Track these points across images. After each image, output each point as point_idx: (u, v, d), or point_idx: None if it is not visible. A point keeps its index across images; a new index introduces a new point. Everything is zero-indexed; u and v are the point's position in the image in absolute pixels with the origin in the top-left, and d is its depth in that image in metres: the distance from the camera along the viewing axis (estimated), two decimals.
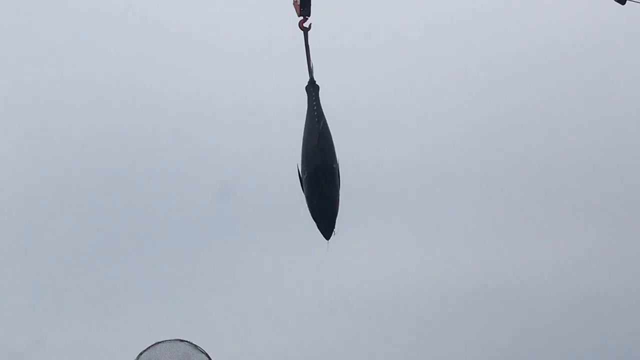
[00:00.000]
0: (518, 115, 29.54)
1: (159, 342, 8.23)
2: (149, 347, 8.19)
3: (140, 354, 8.13)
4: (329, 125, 9.76)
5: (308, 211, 9.64)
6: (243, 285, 30.14)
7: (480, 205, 29.75)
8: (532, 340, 31.35)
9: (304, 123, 9.83)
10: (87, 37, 27.28)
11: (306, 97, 9.92)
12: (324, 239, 9.59)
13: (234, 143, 32.02)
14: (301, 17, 10.03)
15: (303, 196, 9.67)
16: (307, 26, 10.01)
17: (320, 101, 9.85)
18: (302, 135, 9.82)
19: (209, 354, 8.30)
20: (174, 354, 8.22)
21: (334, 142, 9.73)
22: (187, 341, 8.33)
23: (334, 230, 9.60)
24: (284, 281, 34.31)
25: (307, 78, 9.92)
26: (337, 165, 9.69)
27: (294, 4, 10.10)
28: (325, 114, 9.80)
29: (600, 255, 31.41)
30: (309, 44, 9.95)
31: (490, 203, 30.41)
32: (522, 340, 32.67)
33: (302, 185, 9.69)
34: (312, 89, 9.94)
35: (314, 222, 9.61)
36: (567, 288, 30.25)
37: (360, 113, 28.07)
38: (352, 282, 34.83)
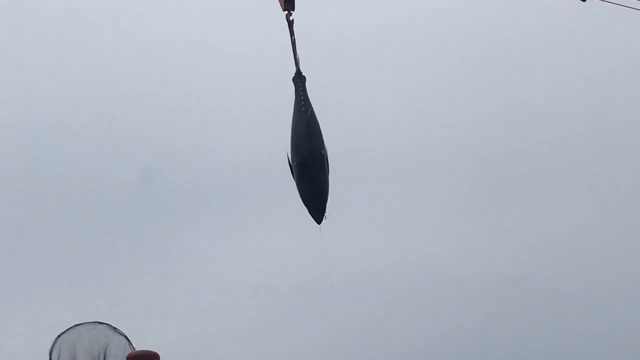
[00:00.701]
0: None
1: (77, 325, 8.21)
2: (67, 330, 8.16)
3: (59, 336, 8.11)
4: (315, 114, 10.10)
5: (299, 197, 9.95)
6: (166, 269, 30.04)
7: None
8: (469, 324, 31.77)
9: (292, 113, 10.18)
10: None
11: (293, 88, 10.25)
12: (316, 223, 9.89)
13: (156, 127, 31.87)
14: (286, 12, 10.38)
15: (294, 183, 9.98)
16: (292, 19, 10.33)
17: (307, 91, 10.19)
18: (291, 124, 10.15)
19: (128, 336, 8.31)
20: (92, 337, 8.20)
21: (322, 129, 10.03)
22: (105, 323, 8.33)
23: (325, 214, 9.92)
24: (208, 265, 34.21)
25: (293, 69, 10.27)
26: (326, 151, 10.05)
27: None
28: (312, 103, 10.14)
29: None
30: (295, 37, 10.26)
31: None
32: (457, 325, 33.02)
33: (292, 173, 10.02)
34: (299, 80, 10.29)
35: (305, 208, 9.93)
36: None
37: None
38: (277, 267, 34.94)
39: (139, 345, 8.18)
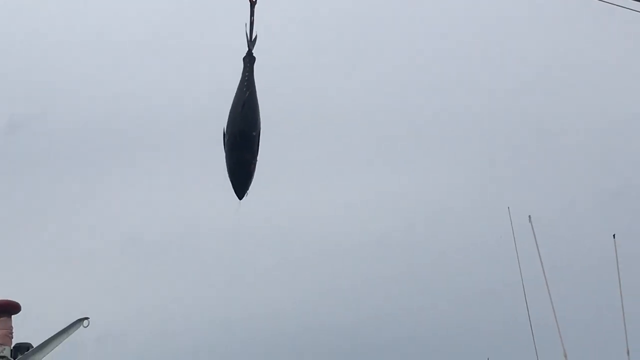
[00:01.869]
0: None
1: None
2: None
3: None
4: (257, 96, 10.54)
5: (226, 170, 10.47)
6: (35, 221, 29.52)
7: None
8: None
9: (236, 91, 10.64)
10: None
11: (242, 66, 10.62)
12: (237, 198, 10.36)
13: (23, 78, 31.45)
14: None
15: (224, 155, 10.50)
16: (254, 0, 10.68)
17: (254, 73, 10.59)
18: (232, 101, 10.63)
19: None
20: None
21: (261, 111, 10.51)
22: None
23: (247, 192, 10.42)
24: (79, 216, 33.84)
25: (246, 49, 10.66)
26: (258, 133, 10.50)
27: None
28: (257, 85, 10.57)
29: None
30: (254, 18, 10.61)
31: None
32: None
33: (224, 146, 10.52)
34: (249, 60, 10.67)
35: (230, 182, 10.41)
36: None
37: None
38: (148, 220, 34.96)
39: (3, 296, 7.70)
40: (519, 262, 20.23)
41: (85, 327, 17.31)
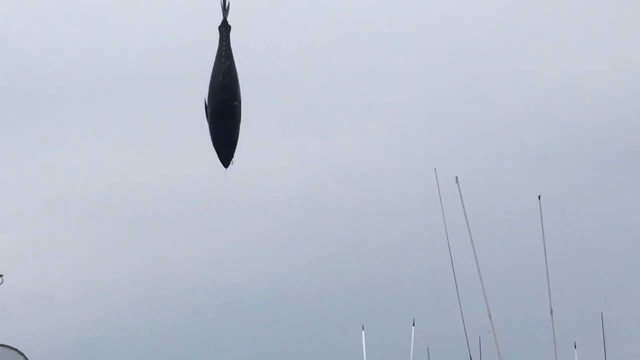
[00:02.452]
0: None
1: None
2: None
3: None
4: (236, 65, 10.49)
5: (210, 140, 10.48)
6: None
7: None
8: None
9: (214, 62, 10.54)
10: None
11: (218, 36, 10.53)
12: (223, 166, 10.44)
13: None
14: None
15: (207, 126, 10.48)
16: None
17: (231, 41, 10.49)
18: (211, 72, 10.54)
19: None
20: None
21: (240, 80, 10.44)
22: None
23: (232, 159, 10.49)
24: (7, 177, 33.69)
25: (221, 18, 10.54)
26: (239, 102, 10.48)
27: None
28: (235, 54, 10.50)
29: None
30: None
31: None
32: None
33: (207, 118, 10.51)
34: (224, 29, 10.56)
35: (215, 151, 10.47)
36: None
37: None
38: (72, 182, 34.98)
39: None
40: (444, 222, 20.34)
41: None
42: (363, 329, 25.04)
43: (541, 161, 40.29)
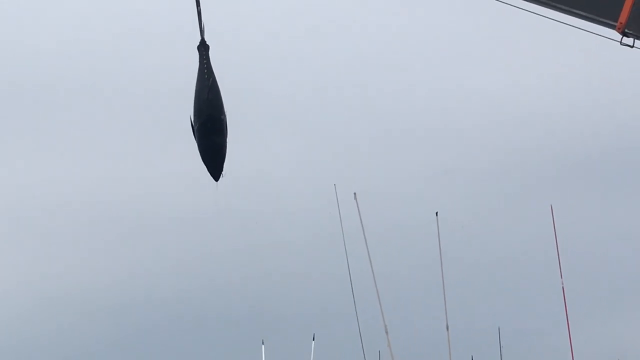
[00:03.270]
0: None
1: None
2: None
3: None
4: (217, 81, 11.07)
5: (199, 155, 11.00)
6: None
7: None
8: None
9: (196, 79, 11.10)
10: None
11: (197, 56, 11.15)
12: (214, 180, 10.96)
13: None
14: None
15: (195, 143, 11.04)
16: None
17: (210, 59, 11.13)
18: (194, 89, 11.08)
19: None
20: None
21: (222, 95, 11.07)
22: None
23: (222, 173, 11.03)
24: None
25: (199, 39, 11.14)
26: (225, 116, 11.05)
27: None
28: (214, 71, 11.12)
29: None
30: (200, 7, 10.96)
31: None
32: None
33: (194, 134, 11.04)
34: (203, 48, 11.16)
35: (204, 166, 11.02)
36: None
37: None
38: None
39: None
40: (343, 238, 20.46)
41: None
42: (263, 343, 25.04)
43: (441, 176, 40.79)
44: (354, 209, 20.52)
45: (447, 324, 20.76)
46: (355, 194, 20.68)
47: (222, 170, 11.04)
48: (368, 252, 20.26)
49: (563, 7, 14.09)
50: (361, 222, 20.49)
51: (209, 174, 11.03)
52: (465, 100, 44.33)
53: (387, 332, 20.23)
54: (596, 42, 13.87)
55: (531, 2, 14.32)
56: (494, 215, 41.37)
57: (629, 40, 13.73)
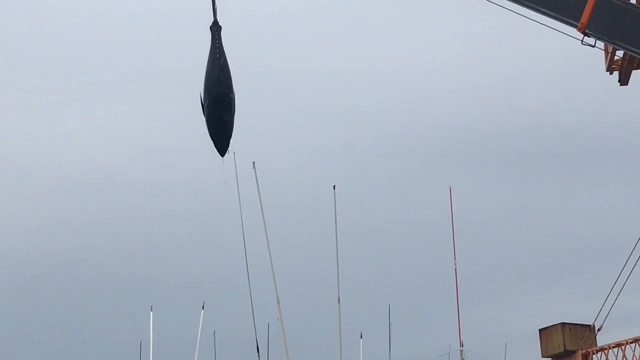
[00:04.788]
0: None
1: None
2: None
3: None
4: (228, 61, 11.52)
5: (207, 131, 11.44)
6: None
7: None
8: None
9: (207, 58, 11.54)
10: None
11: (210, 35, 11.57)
12: (219, 155, 11.53)
13: None
14: None
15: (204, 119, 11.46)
16: None
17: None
18: (205, 68, 11.51)
19: None
20: None
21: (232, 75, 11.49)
22: None
23: (228, 148, 11.54)
24: None
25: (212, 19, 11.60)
26: (234, 95, 11.51)
27: None
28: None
29: None
30: None
31: None
32: None
33: (203, 111, 11.49)
34: (216, 28, 11.62)
35: (212, 141, 11.48)
36: None
37: None
38: None
39: None
40: (240, 208, 20.24)
41: None
42: (152, 309, 24.69)
43: (341, 151, 40.84)
44: (252, 177, 20.29)
45: (338, 297, 20.74)
46: (254, 162, 20.43)
47: (228, 146, 11.56)
48: (264, 222, 20.08)
49: (530, 4, 14.49)
50: (258, 191, 20.28)
51: (215, 149, 11.58)
52: (369, 81, 44.47)
53: (278, 303, 20.12)
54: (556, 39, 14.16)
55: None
56: (391, 193, 41.63)
57: (590, 40, 14.06)
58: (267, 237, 20.16)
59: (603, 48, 17.63)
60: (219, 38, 11.56)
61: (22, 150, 38.78)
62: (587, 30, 14.25)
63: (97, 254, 35.39)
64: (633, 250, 21.55)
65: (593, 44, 14.69)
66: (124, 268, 34.30)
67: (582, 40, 14.45)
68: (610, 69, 18.95)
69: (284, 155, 37.74)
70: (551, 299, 40.23)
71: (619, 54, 18.60)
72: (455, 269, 25.85)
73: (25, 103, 39.80)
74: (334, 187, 21.33)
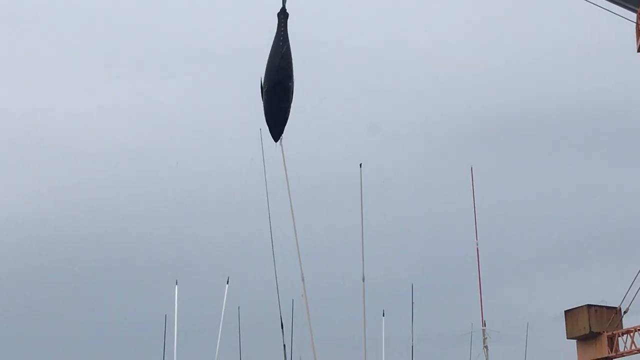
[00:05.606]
0: None
1: None
2: None
3: None
4: (291, 49, 11.61)
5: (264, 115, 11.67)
6: None
7: None
8: None
9: (272, 44, 11.64)
10: None
11: (277, 22, 11.67)
12: (273, 140, 11.91)
13: None
14: None
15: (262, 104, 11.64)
16: None
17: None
18: (269, 54, 11.61)
19: None
20: None
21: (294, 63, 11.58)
22: None
23: (282, 135, 11.91)
24: None
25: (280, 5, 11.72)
26: (292, 83, 11.67)
27: None
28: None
29: None
30: None
31: None
32: None
33: (262, 95, 11.67)
34: (283, 16, 11.70)
35: (267, 126, 11.74)
36: None
37: None
38: None
39: None
40: (266, 186, 20.25)
41: None
42: (177, 283, 24.82)
43: (372, 131, 40.78)
44: (278, 156, 20.23)
45: (363, 275, 20.72)
46: (282, 138, 20.37)
47: (282, 132, 11.91)
48: (290, 200, 20.06)
49: None
50: (285, 168, 20.23)
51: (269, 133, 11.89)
52: (396, 58, 44.27)
53: (303, 280, 20.11)
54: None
55: None
56: (415, 171, 41.53)
57: None
58: (292, 213, 20.15)
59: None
60: (285, 26, 11.66)
61: (64, 126, 38.80)
62: None
63: (125, 229, 35.58)
64: None
65: None
66: (151, 242, 34.49)
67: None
68: None
69: (311, 133, 37.75)
70: (577, 281, 40.12)
71: None
72: (477, 248, 25.84)
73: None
74: (360, 165, 21.29)
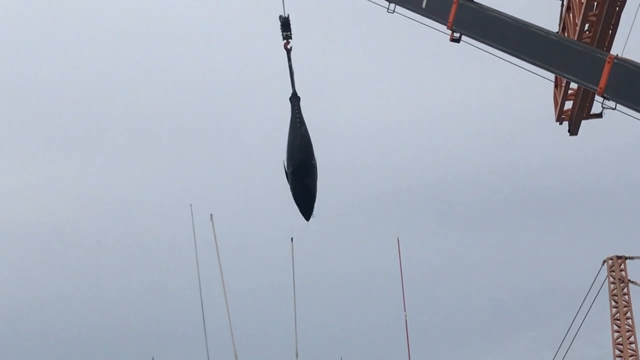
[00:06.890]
0: None
1: None
2: None
3: None
4: (308, 130, 12.08)
5: (292, 197, 11.92)
6: None
7: None
8: None
9: (289, 127, 12.09)
10: None
11: (290, 106, 12.27)
12: (305, 220, 12.00)
13: None
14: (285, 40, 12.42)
15: (288, 186, 11.99)
16: (290, 47, 12.46)
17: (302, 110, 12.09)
18: (287, 137, 12.07)
19: None
20: None
21: (313, 143, 11.94)
22: None
23: (313, 213, 11.98)
24: None
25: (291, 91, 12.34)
26: (315, 161, 12.08)
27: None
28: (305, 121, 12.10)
29: None
30: (292, 62, 12.34)
31: None
32: None
33: (287, 178, 12.04)
34: (295, 99, 12.28)
35: (297, 206, 11.92)
36: None
37: None
38: None
39: None
40: (197, 262, 20.15)
41: None
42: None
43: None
44: (209, 229, 20.18)
45: (296, 351, 20.75)
46: (211, 215, 20.37)
47: (312, 210, 12.03)
48: (222, 276, 20.00)
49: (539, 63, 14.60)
50: (216, 243, 20.20)
51: (300, 214, 12.00)
52: (327, 136, 44.81)
53: (236, 358, 20.07)
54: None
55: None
56: (343, 245, 41.73)
57: (610, 103, 14.19)
58: (224, 291, 20.10)
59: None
60: (299, 108, 12.03)
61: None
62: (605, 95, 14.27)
63: (101, 303, 35.11)
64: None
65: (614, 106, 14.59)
66: (127, 318, 33.93)
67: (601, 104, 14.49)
68: (559, 119, 19.24)
69: (241, 207, 37.91)
70: (503, 351, 40.47)
71: (568, 104, 18.94)
72: (406, 320, 25.95)
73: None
74: (292, 239, 21.39)
